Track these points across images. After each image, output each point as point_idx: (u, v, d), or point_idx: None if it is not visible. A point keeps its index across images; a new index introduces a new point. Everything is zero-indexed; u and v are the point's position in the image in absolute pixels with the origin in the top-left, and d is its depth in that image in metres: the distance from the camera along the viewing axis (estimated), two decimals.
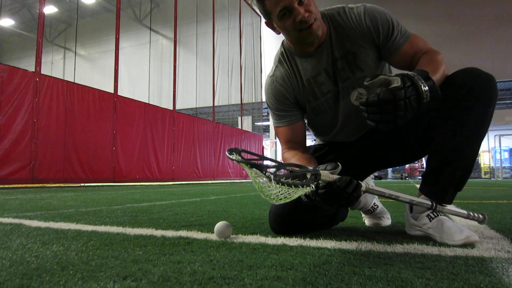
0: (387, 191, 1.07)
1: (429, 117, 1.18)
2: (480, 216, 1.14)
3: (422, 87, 0.91)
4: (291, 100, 1.33)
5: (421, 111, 0.94)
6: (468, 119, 1.09)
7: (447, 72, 1.13)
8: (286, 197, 0.87)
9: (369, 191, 1.04)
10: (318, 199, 0.99)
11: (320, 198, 0.99)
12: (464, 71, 1.12)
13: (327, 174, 0.99)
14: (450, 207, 1.13)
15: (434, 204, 1.10)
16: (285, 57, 1.32)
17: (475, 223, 1.57)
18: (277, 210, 1.28)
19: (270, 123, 18.75)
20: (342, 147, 1.39)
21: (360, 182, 1.01)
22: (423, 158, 1.40)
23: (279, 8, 1.12)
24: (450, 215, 1.18)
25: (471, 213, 1.13)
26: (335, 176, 1.00)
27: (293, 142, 1.36)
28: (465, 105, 1.08)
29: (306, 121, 1.44)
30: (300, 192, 0.90)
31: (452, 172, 1.14)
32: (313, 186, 0.95)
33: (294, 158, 1.29)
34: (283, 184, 0.87)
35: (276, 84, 1.34)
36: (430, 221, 1.17)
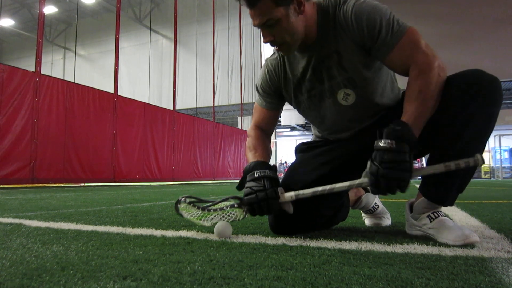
0: (320, 188, 1.13)
1: (431, 119, 1.13)
2: (470, 160, 1.00)
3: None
4: (272, 89, 1.37)
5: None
6: (473, 123, 1.06)
7: (441, 83, 1.07)
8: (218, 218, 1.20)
9: (299, 196, 1.16)
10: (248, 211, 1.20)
11: (248, 211, 1.19)
12: (467, 73, 1.09)
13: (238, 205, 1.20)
14: (428, 169, 1.08)
15: None
16: None
17: (476, 223, 1.57)
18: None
19: None
20: (340, 144, 1.37)
21: (276, 191, 1.16)
22: (423, 158, 1.39)
23: (253, 25, 1.17)
24: (450, 216, 1.18)
25: (454, 163, 1.01)
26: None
27: (261, 127, 1.44)
28: (470, 110, 1.06)
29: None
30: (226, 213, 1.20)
31: (455, 175, 1.12)
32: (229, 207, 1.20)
33: (258, 143, 1.37)
34: (209, 210, 1.21)
35: (267, 68, 1.37)
36: (431, 221, 1.17)
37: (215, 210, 1.20)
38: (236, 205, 1.19)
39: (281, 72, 1.32)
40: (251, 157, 1.33)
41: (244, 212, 1.20)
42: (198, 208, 1.21)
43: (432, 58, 1.07)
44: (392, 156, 0.97)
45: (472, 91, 1.05)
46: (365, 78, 1.20)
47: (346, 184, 1.11)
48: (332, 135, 1.39)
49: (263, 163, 1.24)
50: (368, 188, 1.08)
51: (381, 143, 1.00)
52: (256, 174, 1.19)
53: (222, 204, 1.22)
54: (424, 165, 1.11)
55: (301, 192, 1.15)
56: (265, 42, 1.16)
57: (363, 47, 1.15)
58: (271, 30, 1.13)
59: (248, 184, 1.20)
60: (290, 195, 1.17)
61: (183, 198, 1.25)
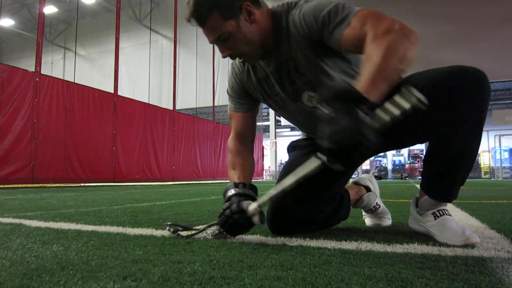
0: (272, 191, 1.07)
1: (422, 116, 1.01)
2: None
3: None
4: (242, 89, 1.36)
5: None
6: (467, 121, 1.06)
7: (409, 43, 0.94)
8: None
9: (261, 206, 1.13)
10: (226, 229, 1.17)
11: (226, 232, 1.17)
12: (452, 70, 1.06)
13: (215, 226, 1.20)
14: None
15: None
16: None
17: (476, 223, 1.57)
18: (273, 209, 1.28)
19: (270, 123, 18.74)
20: None
21: (239, 205, 1.13)
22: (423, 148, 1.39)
23: (209, 42, 1.17)
24: (454, 216, 1.19)
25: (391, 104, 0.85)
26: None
27: (242, 134, 1.40)
28: (462, 109, 1.05)
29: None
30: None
31: (456, 172, 1.15)
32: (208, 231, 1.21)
33: (237, 160, 1.35)
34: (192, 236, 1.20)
35: (233, 70, 1.37)
36: (435, 219, 1.18)
37: (199, 239, 1.19)
38: (217, 231, 1.18)
39: (245, 75, 1.33)
40: (231, 177, 1.34)
41: (226, 234, 1.19)
42: (182, 237, 1.20)
43: (392, 21, 0.97)
44: (334, 128, 0.83)
45: (462, 91, 1.04)
46: (322, 81, 1.18)
47: (293, 178, 1.02)
48: (312, 133, 1.40)
49: (235, 184, 1.25)
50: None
51: (319, 114, 0.88)
52: (227, 195, 1.22)
53: (205, 232, 1.22)
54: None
55: (260, 200, 1.13)
56: (224, 56, 1.17)
57: (320, 43, 1.12)
58: (226, 44, 1.14)
59: (222, 207, 1.21)
60: (253, 207, 1.14)
61: (168, 227, 1.25)
